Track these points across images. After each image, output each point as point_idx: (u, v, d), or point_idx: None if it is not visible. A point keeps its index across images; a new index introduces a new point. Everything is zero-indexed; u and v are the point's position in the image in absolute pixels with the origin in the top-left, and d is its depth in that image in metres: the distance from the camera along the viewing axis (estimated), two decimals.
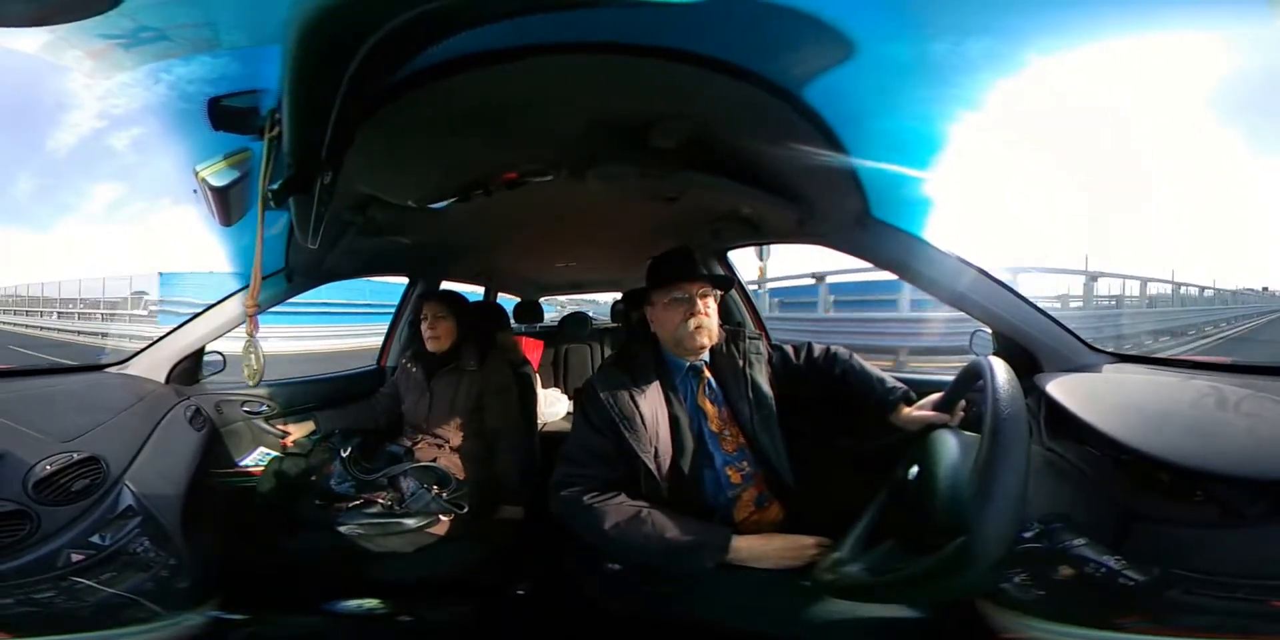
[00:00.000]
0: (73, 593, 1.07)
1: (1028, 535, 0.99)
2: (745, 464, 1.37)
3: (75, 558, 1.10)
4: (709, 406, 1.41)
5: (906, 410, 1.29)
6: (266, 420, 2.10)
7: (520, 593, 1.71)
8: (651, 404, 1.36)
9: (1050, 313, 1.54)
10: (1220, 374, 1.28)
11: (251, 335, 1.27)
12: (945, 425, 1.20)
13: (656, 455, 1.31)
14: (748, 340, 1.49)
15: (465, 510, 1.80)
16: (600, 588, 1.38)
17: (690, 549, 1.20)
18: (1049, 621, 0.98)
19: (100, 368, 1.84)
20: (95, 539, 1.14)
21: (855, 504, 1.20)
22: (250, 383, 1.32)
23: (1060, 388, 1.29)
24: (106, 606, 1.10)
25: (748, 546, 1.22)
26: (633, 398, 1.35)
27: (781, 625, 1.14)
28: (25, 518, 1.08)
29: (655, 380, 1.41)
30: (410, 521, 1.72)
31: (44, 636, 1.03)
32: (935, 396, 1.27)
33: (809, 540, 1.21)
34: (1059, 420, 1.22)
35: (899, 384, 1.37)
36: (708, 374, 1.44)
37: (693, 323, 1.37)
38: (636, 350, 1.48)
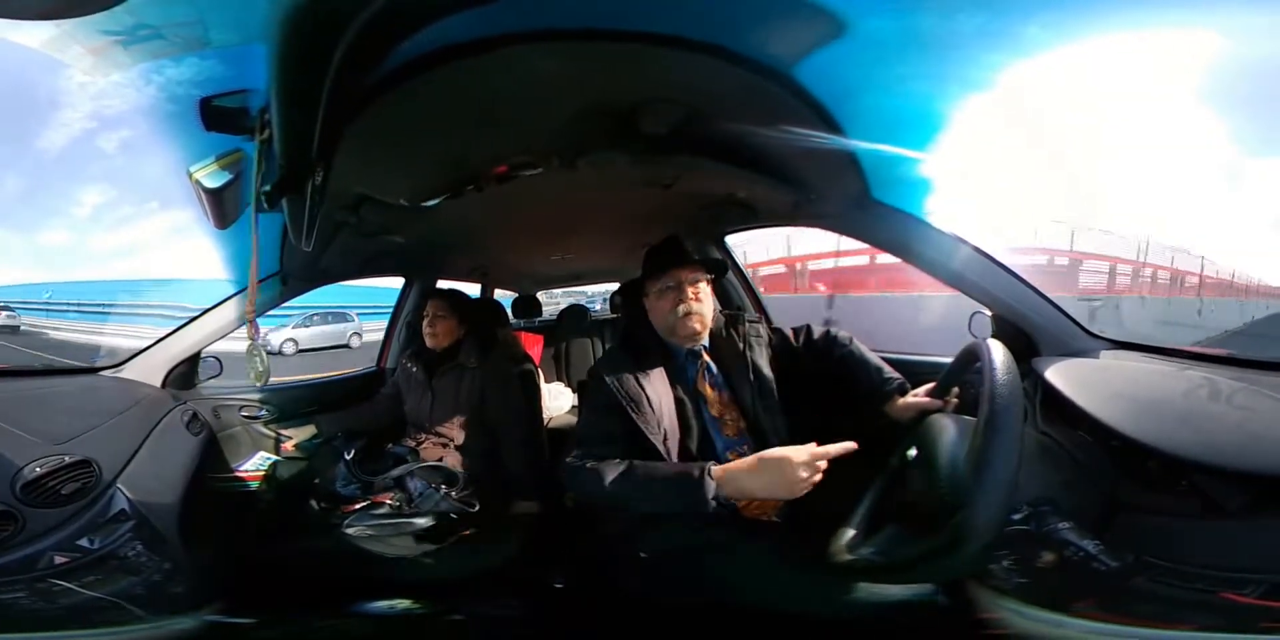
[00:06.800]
0: (51, 595, 1.07)
1: (1016, 517, 1.00)
2: (746, 448, 1.37)
3: (59, 560, 1.10)
4: (709, 391, 1.41)
5: (901, 400, 1.30)
6: (266, 425, 2.10)
7: (558, 586, 1.72)
8: (656, 387, 1.36)
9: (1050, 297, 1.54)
10: (1216, 366, 1.28)
11: (253, 339, 1.27)
12: (940, 410, 1.21)
13: (665, 438, 1.31)
14: (747, 324, 1.49)
15: (476, 508, 1.80)
16: (632, 576, 1.38)
17: (677, 487, 1.15)
18: (1030, 605, 1.00)
19: (94, 370, 1.83)
20: (83, 542, 1.14)
21: (859, 487, 1.20)
22: (257, 384, 1.32)
23: (1057, 372, 1.30)
24: (87, 609, 1.10)
25: (728, 475, 1.12)
26: (638, 381, 1.35)
27: (811, 604, 1.15)
28: (10, 519, 1.07)
29: (659, 365, 1.41)
30: (421, 521, 1.72)
31: (20, 634, 1.04)
32: (930, 386, 1.28)
33: (790, 456, 1.05)
34: (1054, 404, 1.23)
35: (895, 374, 1.37)
36: (707, 358, 1.44)
37: (681, 309, 1.38)
38: (639, 338, 1.48)
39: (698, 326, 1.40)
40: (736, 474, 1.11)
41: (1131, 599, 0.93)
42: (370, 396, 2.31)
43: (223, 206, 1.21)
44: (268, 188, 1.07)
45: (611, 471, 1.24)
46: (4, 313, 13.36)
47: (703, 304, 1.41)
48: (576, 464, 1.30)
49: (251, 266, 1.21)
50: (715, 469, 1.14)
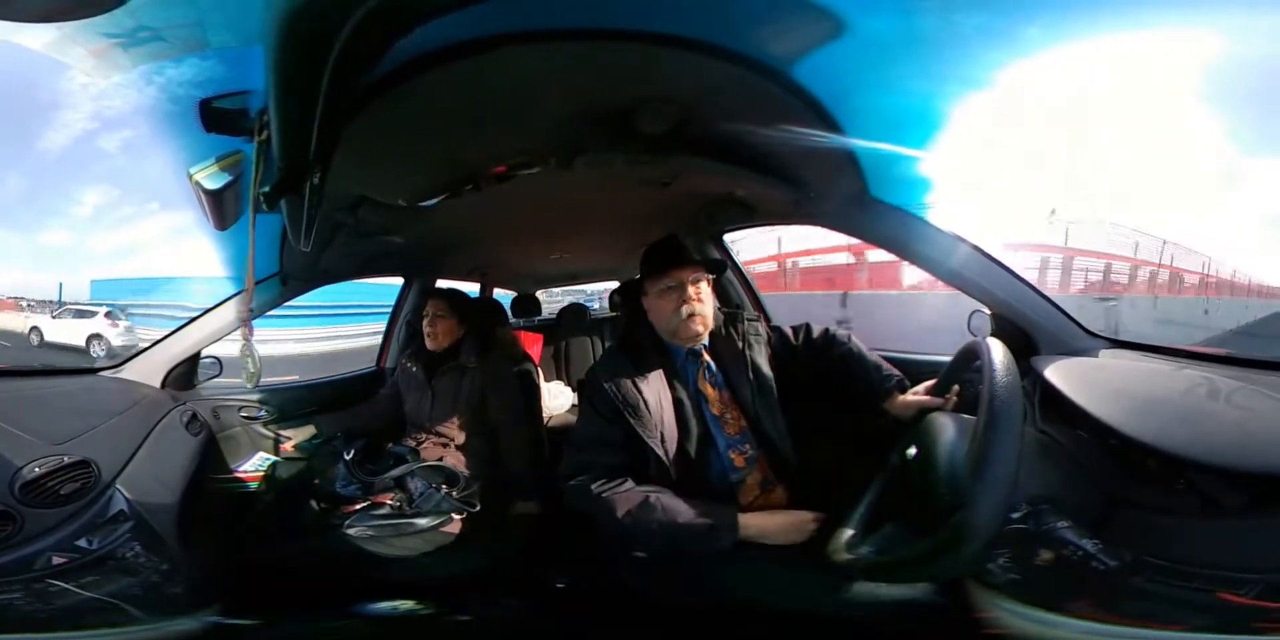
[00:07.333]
0: (49, 595, 1.07)
1: (1015, 516, 1.00)
2: (748, 447, 1.38)
3: (58, 560, 1.10)
4: (710, 390, 1.41)
5: (900, 398, 1.30)
6: (265, 425, 2.10)
7: (560, 586, 1.72)
8: (655, 390, 1.37)
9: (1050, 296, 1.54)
10: (1215, 365, 1.28)
11: (247, 339, 1.27)
12: (939, 408, 1.21)
13: (663, 441, 1.32)
14: (746, 322, 1.49)
15: (477, 508, 1.80)
16: (635, 576, 1.40)
17: (702, 531, 1.23)
18: (1028, 605, 1.01)
19: (94, 371, 1.84)
20: (82, 543, 1.15)
21: (859, 485, 1.20)
22: (249, 385, 1.32)
23: (1056, 371, 1.31)
24: (85, 610, 1.11)
25: (754, 524, 1.25)
26: (636, 384, 1.36)
27: (810, 603, 1.17)
28: (8, 519, 1.08)
29: (658, 366, 1.41)
30: (422, 521, 1.72)
31: (19, 635, 1.04)
32: (929, 383, 1.28)
33: (809, 515, 1.27)
34: (1053, 403, 1.23)
35: (894, 372, 1.37)
36: (707, 358, 1.44)
37: (685, 310, 1.38)
38: (638, 338, 1.48)
39: (700, 328, 1.40)
40: (764, 527, 1.26)
41: (1129, 598, 0.94)
42: (369, 397, 2.31)
43: (222, 207, 1.21)
44: (267, 189, 1.07)
45: (624, 503, 1.26)
46: (120, 324, 8.11)
47: (704, 304, 1.40)
48: (580, 485, 1.32)
49: (248, 268, 1.21)
50: (744, 521, 1.24)
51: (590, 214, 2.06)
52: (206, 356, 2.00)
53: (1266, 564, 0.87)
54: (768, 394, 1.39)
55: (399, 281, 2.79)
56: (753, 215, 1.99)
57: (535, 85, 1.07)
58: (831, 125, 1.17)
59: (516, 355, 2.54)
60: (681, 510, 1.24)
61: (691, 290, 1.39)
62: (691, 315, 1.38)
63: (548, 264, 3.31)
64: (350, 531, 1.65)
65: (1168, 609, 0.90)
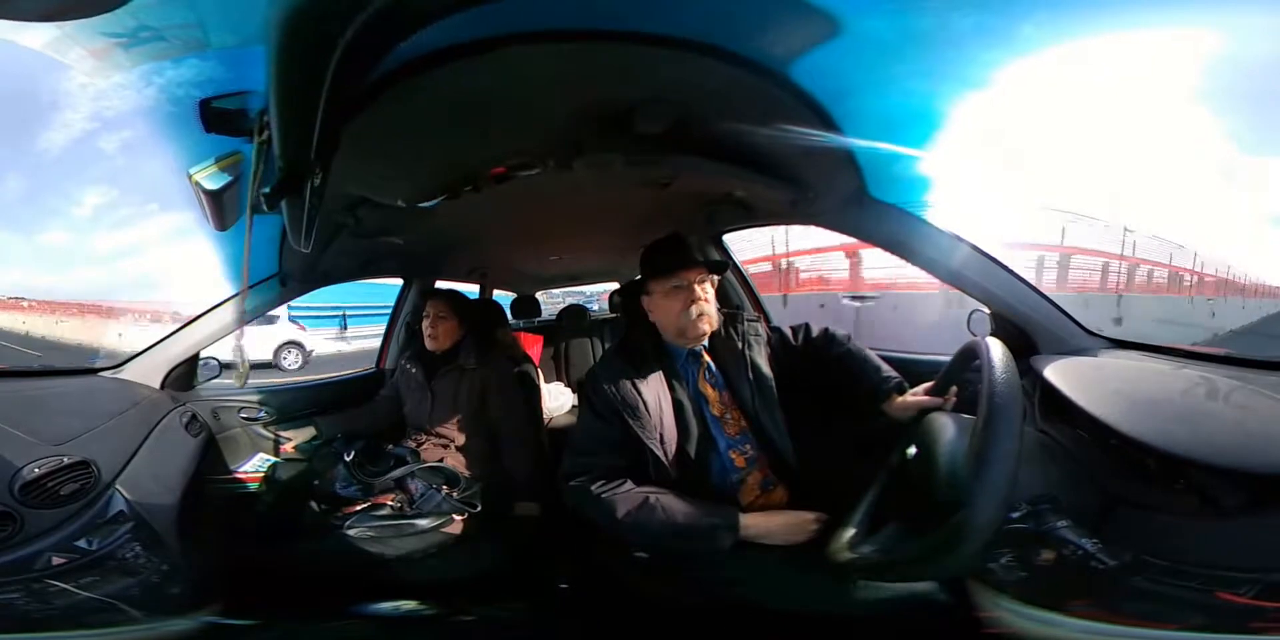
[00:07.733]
0: (49, 595, 1.08)
1: (1015, 516, 1.01)
2: (748, 447, 1.38)
3: (56, 561, 1.11)
4: (710, 391, 1.41)
5: (899, 399, 1.30)
6: (265, 426, 2.10)
7: (561, 587, 1.72)
8: (654, 391, 1.37)
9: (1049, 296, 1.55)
10: (1214, 365, 1.28)
11: (238, 340, 1.27)
12: (939, 409, 1.21)
13: (662, 441, 1.32)
14: (746, 323, 1.49)
15: (478, 509, 1.80)
16: (636, 576, 1.40)
17: (703, 531, 1.23)
18: (1028, 604, 1.01)
19: (94, 371, 1.83)
20: (82, 543, 1.15)
21: (859, 485, 1.21)
22: (237, 385, 1.32)
23: (1056, 371, 1.31)
24: (84, 610, 1.11)
25: (755, 523, 1.25)
26: (635, 385, 1.36)
27: (811, 603, 1.17)
28: (8, 519, 1.08)
29: (657, 368, 1.41)
30: (423, 522, 1.72)
31: (18, 635, 1.05)
32: (928, 384, 1.28)
33: (810, 515, 1.26)
34: (1053, 402, 1.23)
35: (893, 373, 1.37)
36: (707, 358, 1.44)
37: (694, 310, 1.38)
38: (637, 338, 1.48)
39: (707, 327, 1.40)
40: (765, 527, 1.25)
41: (1128, 598, 0.94)
42: (370, 398, 2.31)
43: (222, 208, 1.21)
44: (267, 190, 1.07)
45: (624, 504, 1.26)
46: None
47: (710, 304, 1.41)
48: (580, 486, 1.32)
49: (244, 267, 1.21)
50: (745, 520, 1.23)
51: (590, 215, 2.06)
52: (205, 357, 2.01)
53: (1265, 564, 0.87)
54: (768, 394, 1.39)
55: (399, 282, 2.80)
56: (752, 215, 1.99)
57: (534, 86, 1.07)
58: (830, 125, 1.17)
59: (516, 356, 2.55)
60: (682, 510, 1.24)
61: (698, 290, 1.39)
62: (700, 315, 1.38)
63: (548, 265, 3.31)
64: (351, 532, 1.65)
65: (1167, 608, 0.91)
